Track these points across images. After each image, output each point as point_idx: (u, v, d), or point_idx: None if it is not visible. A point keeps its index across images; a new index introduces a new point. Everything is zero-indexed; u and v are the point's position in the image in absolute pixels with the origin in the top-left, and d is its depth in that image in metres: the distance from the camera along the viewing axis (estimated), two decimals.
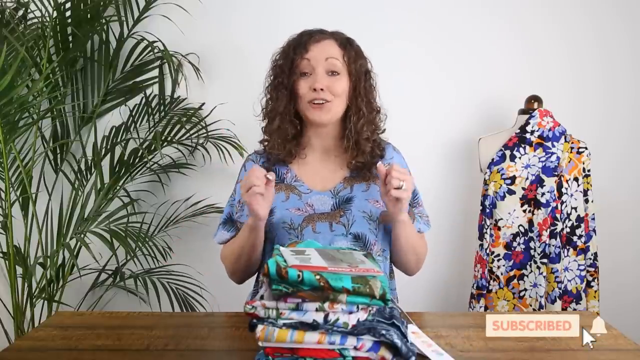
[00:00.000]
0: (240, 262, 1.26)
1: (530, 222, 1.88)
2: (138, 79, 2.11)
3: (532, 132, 1.88)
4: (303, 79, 1.23)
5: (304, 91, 1.23)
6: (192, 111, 2.03)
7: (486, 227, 1.91)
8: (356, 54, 1.27)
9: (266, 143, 1.31)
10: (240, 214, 1.28)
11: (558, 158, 1.86)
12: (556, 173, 1.87)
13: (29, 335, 1.05)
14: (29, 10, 2.02)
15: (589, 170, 1.90)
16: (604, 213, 2.00)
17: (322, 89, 1.20)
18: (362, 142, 1.26)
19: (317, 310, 0.81)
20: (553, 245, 1.84)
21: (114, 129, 2.03)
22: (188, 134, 2.02)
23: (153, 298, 1.93)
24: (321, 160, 1.31)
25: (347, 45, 1.26)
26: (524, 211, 1.89)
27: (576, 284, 1.88)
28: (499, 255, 1.90)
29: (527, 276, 1.88)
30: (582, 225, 1.88)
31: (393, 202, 1.14)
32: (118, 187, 1.98)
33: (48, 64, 1.91)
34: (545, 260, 1.85)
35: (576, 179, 1.88)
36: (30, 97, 1.80)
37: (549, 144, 1.87)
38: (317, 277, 0.81)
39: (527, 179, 1.88)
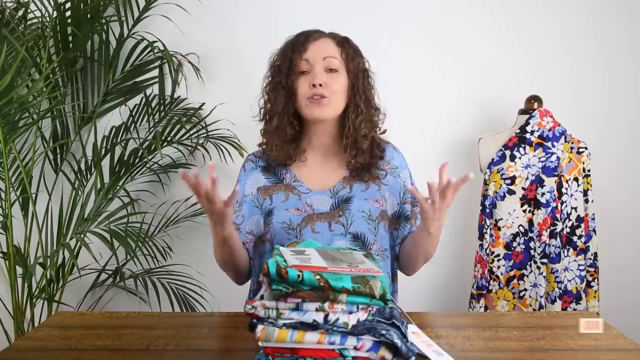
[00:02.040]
0: (228, 270, 1.27)
1: (530, 222, 1.88)
2: (138, 79, 2.11)
3: (532, 132, 1.88)
4: (302, 78, 1.23)
5: (304, 89, 1.22)
6: (192, 111, 2.03)
7: (486, 227, 1.91)
8: (354, 51, 1.27)
9: (265, 146, 1.30)
10: (236, 215, 1.28)
11: (558, 158, 1.86)
12: (556, 173, 1.86)
13: (29, 335, 1.05)
14: (29, 10, 2.02)
15: (589, 170, 1.90)
16: (604, 213, 2.01)
17: (320, 85, 1.20)
18: (359, 140, 1.25)
19: (317, 310, 0.81)
20: (553, 245, 1.84)
21: (114, 129, 2.03)
22: (188, 134, 2.02)
23: (153, 298, 1.93)
24: (320, 160, 1.30)
25: (344, 43, 1.26)
26: (524, 211, 1.89)
27: (576, 284, 1.88)
28: (499, 255, 1.90)
29: (527, 276, 1.88)
30: (582, 225, 1.88)
31: (438, 215, 1.12)
32: (118, 187, 1.98)
33: (48, 64, 1.91)
34: (545, 260, 1.85)
35: (576, 179, 1.88)
36: (30, 97, 1.80)
37: (549, 144, 1.87)
38: (317, 277, 0.81)
39: (527, 179, 1.88)
